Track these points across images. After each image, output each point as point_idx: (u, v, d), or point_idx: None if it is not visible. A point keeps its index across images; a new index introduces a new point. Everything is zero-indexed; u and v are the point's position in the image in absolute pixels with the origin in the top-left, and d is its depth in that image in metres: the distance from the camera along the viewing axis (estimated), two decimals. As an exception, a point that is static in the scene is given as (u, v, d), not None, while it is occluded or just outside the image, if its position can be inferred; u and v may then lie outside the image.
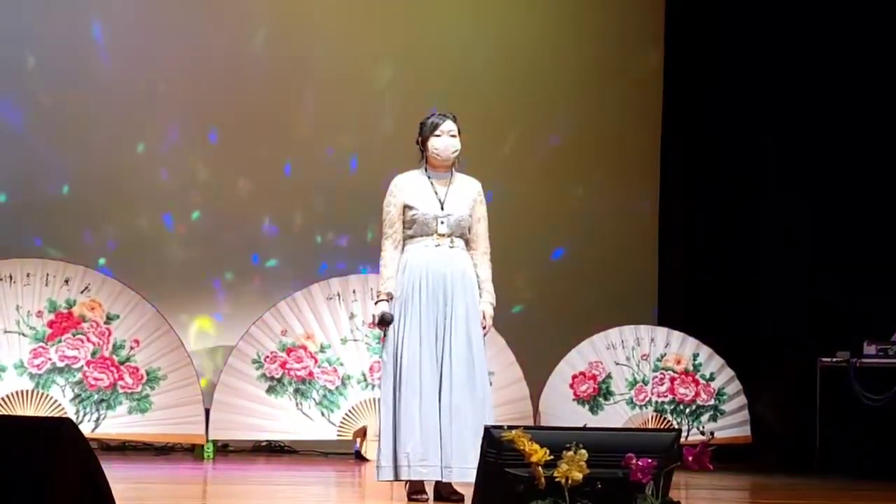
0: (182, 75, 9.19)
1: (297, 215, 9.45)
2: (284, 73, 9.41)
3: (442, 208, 5.81)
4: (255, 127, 9.29)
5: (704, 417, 9.01)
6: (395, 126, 9.24)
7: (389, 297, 5.79)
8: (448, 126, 5.86)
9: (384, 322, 5.77)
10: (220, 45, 9.27)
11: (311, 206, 9.45)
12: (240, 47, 9.33)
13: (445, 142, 5.84)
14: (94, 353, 8.26)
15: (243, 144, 9.31)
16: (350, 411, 8.51)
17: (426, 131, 5.87)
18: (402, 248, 5.84)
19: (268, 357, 8.51)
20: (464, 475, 5.58)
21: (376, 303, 5.86)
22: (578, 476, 4.07)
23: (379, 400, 6.07)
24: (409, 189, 5.85)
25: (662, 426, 8.81)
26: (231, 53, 9.30)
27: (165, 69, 9.17)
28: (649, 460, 4.10)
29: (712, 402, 9.06)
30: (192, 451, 8.54)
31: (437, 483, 5.75)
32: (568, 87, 9.85)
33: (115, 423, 8.26)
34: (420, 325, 5.71)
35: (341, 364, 8.55)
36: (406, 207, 5.82)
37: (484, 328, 5.83)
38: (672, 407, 9.01)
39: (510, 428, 4.22)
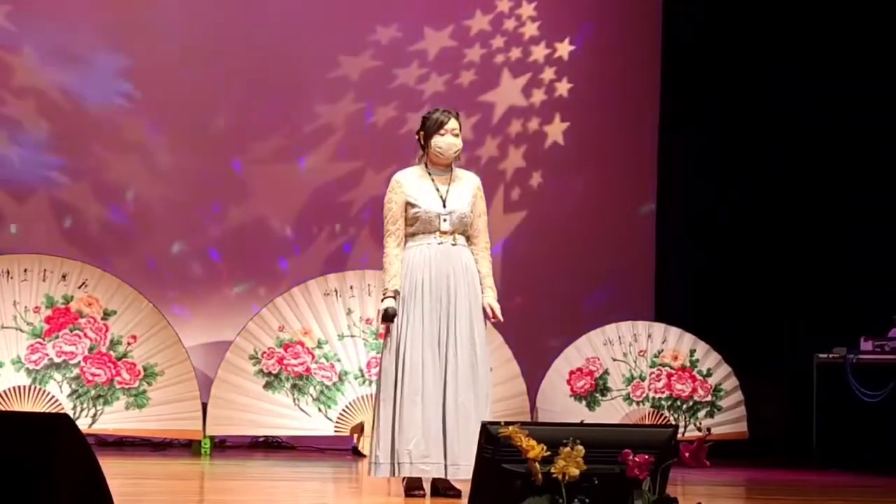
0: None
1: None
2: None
3: (444, 205, 5.76)
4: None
5: (701, 413, 9.01)
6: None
7: (396, 295, 5.72)
8: (453, 124, 5.79)
9: (387, 318, 5.70)
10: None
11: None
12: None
13: (449, 140, 5.79)
14: (91, 349, 8.25)
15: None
16: (347, 407, 8.50)
17: (430, 128, 5.79)
18: (404, 246, 5.79)
19: (265, 353, 8.50)
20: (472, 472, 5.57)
21: (383, 300, 5.77)
22: (575, 472, 4.07)
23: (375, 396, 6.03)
24: (410, 186, 5.79)
25: (659, 422, 8.82)
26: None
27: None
28: (646, 456, 4.10)
29: (709, 398, 9.06)
30: (189, 447, 8.52)
31: (435, 479, 5.74)
32: (570, 86, 9.85)
33: (113, 419, 8.26)
34: (423, 323, 5.68)
35: (338, 360, 8.54)
36: (408, 205, 5.75)
37: (496, 320, 5.80)
38: (669, 403, 9.01)
39: (507, 424, 4.22)
